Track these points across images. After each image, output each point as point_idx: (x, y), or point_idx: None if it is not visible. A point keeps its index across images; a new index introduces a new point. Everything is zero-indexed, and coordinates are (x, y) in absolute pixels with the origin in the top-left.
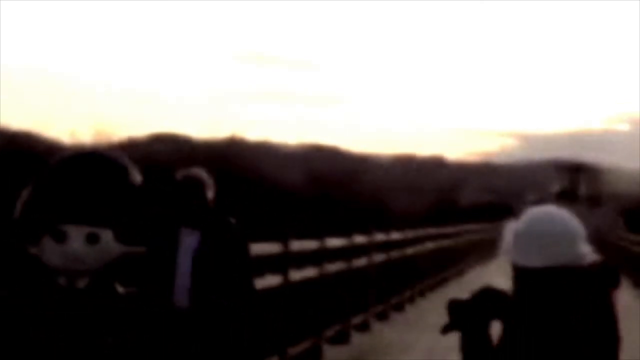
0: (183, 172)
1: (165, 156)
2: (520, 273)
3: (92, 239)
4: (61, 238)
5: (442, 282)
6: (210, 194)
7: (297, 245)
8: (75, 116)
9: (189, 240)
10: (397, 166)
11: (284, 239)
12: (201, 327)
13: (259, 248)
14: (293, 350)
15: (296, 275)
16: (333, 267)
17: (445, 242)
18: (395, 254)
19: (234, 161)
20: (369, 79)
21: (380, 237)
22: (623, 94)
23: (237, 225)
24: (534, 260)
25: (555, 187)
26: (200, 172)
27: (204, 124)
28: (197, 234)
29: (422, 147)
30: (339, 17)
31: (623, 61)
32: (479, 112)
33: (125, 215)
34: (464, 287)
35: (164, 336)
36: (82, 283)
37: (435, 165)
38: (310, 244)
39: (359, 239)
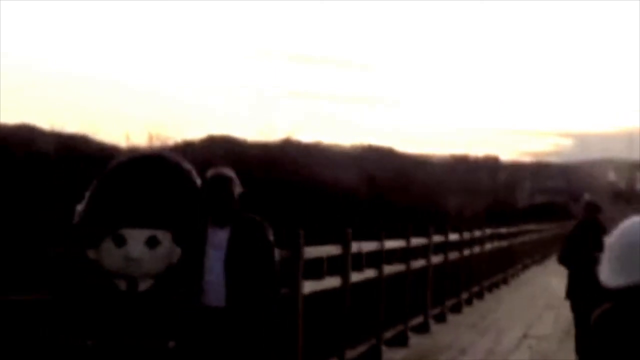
0: (211, 170)
1: (220, 158)
2: (614, 293)
3: (152, 243)
4: (121, 242)
5: (499, 283)
6: (236, 191)
7: (356, 247)
8: (129, 119)
9: (218, 238)
10: (452, 167)
11: (343, 241)
12: (246, 327)
13: (319, 250)
14: (352, 352)
15: (355, 277)
16: (391, 268)
17: (501, 243)
18: (452, 255)
19: (288, 163)
20: (422, 79)
21: (437, 238)
22: None
23: (263, 223)
24: (632, 277)
25: (612, 187)
26: (227, 170)
27: (257, 126)
28: (227, 230)
29: (477, 147)
30: (392, 18)
31: None
32: (534, 112)
33: (185, 217)
34: (520, 288)
35: (206, 336)
36: (143, 287)
37: (491, 165)
38: (369, 246)
39: (417, 240)
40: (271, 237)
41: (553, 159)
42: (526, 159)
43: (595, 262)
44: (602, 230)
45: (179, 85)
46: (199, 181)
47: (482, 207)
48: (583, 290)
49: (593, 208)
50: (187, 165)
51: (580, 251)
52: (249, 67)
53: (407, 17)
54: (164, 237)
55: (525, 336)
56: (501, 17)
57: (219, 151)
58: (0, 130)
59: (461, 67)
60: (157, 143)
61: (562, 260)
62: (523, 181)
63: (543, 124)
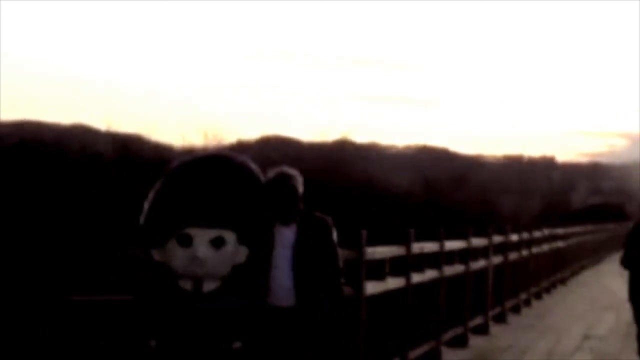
0: (274, 169)
1: (274, 159)
2: None
3: (217, 243)
4: (186, 242)
5: (557, 283)
6: (300, 189)
7: (417, 247)
8: (184, 120)
9: (283, 236)
10: (507, 167)
11: (406, 242)
12: (315, 327)
13: (382, 251)
14: (413, 353)
15: (417, 277)
16: (451, 269)
17: (559, 244)
18: (512, 256)
19: (343, 164)
20: (478, 80)
21: (497, 239)
22: None
23: (327, 220)
24: None
25: None
26: (291, 169)
27: (312, 127)
28: (292, 229)
29: (532, 148)
30: (446, 19)
31: None
32: (588, 113)
33: (251, 216)
34: (578, 289)
35: (274, 336)
36: (208, 287)
37: (546, 166)
38: (430, 247)
39: (477, 241)
40: (335, 235)
41: (608, 160)
42: (582, 159)
43: None
44: None
45: (233, 85)
46: (263, 180)
47: (536, 208)
48: None
49: None
50: (253, 165)
51: (635, 252)
52: (306, 70)
53: (461, 17)
54: (230, 237)
55: (586, 337)
56: (558, 18)
57: (274, 152)
58: (54, 131)
59: (516, 67)
60: (212, 143)
61: (624, 263)
62: (578, 182)
63: (598, 124)
